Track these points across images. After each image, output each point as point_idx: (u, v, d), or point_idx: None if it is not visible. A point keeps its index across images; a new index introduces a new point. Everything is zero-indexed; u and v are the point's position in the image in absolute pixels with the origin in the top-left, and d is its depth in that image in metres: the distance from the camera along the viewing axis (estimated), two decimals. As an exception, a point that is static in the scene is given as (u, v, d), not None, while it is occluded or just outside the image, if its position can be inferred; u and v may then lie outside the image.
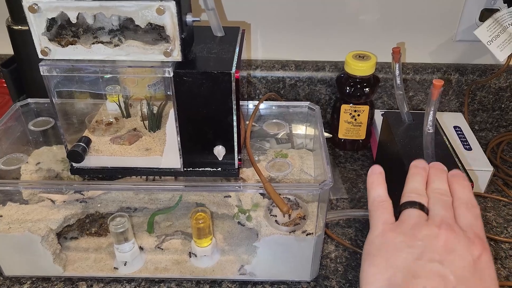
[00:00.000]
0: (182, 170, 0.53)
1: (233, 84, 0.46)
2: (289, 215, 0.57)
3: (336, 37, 0.83)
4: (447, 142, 0.60)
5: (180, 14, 0.44)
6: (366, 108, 0.79)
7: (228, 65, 0.47)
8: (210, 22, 0.53)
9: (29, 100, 0.66)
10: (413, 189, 0.43)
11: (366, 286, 0.38)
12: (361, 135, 0.82)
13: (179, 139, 0.51)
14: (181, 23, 0.44)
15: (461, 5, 0.79)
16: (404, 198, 0.42)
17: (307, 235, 0.55)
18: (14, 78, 0.71)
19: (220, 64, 0.47)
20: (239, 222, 0.59)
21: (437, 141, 0.58)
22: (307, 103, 0.66)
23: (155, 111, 0.57)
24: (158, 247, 0.61)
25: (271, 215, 0.57)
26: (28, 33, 0.66)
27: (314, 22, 0.82)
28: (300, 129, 0.72)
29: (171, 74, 0.46)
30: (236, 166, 0.53)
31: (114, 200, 0.61)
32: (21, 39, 0.66)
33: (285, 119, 0.70)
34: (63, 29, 0.47)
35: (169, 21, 0.44)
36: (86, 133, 0.56)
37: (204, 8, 0.52)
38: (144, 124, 0.57)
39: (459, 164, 0.56)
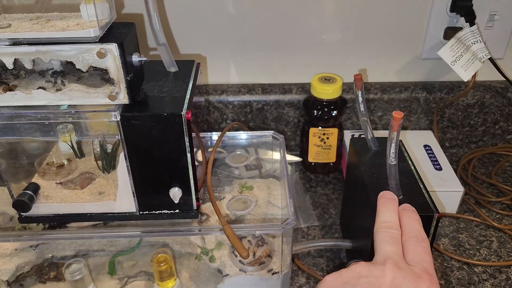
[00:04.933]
0: (138, 213, 0.51)
1: (185, 125, 0.44)
2: (254, 254, 0.55)
3: (301, 58, 0.82)
4: (412, 168, 0.59)
5: (124, 56, 0.41)
6: (334, 130, 0.78)
7: (179, 105, 0.45)
8: (162, 57, 0.51)
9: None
10: None
11: None
12: (331, 158, 0.81)
13: (132, 182, 0.48)
14: (126, 64, 0.42)
15: (425, 24, 0.79)
16: None
17: (272, 274, 0.53)
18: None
19: (171, 104, 0.45)
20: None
21: (403, 168, 0.57)
22: (271, 132, 0.64)
23: (109, 150, 0.55)
24: (120, 291, 0.59)
25: (235, 255, 0.55)
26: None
27: (278, 43, 0.80)
28: (268, 156, 0.71)
29: (118, 118, 0.43)
30: (195, 207, 0.51)
31: (70, 244, 0.58)
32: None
33: (253, 146, 0.68)
34: (1, 75, 0.44)
35: (112, 64, 0.41)
36: (35, 177, 0.53)
37: (155, 43, 0.50)
38: (98, 164, 0.55)
39: (425, 192, 0.54)
